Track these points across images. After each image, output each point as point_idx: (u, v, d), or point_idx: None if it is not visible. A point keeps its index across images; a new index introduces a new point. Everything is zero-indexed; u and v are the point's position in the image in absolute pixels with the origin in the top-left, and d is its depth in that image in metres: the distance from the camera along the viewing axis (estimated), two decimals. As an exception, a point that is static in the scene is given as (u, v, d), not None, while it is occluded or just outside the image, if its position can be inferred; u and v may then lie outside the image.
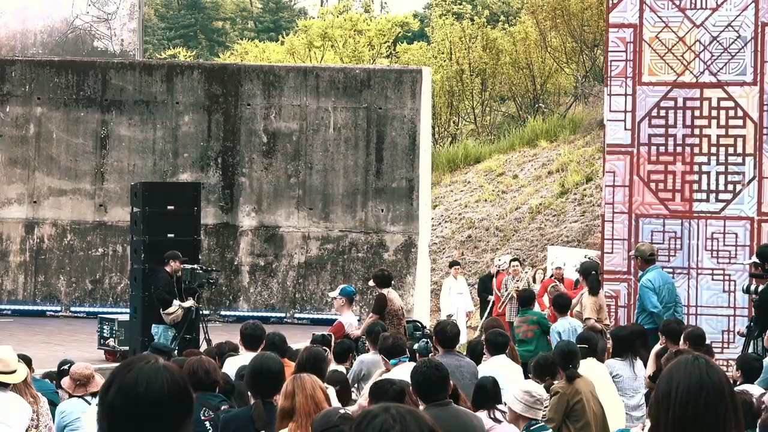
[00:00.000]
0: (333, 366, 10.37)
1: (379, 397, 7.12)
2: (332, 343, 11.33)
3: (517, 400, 8.02)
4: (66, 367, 11.01)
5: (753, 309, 13.79)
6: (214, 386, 8.08)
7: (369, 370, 10.58)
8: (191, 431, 3.11)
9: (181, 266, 15.53)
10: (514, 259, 21.63)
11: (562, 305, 14.29)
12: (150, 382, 3.01)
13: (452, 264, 23.37)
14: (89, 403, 8.97)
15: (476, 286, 23.65)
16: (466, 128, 40.56)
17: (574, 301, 14.77)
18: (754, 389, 9.30)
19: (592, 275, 14.89)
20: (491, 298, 21.11)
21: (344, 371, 10.31)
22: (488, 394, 8.15)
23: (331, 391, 7.90)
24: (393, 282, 14.95)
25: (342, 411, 5.87)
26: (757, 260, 13.50)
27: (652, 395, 3.40)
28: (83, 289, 23.17)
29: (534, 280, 20.38)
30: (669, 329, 11.90)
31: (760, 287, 13.34)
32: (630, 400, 10.96)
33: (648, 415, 3.51)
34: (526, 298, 15.77)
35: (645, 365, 11.52)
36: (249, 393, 7.38)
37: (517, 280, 20.13)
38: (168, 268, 15.52)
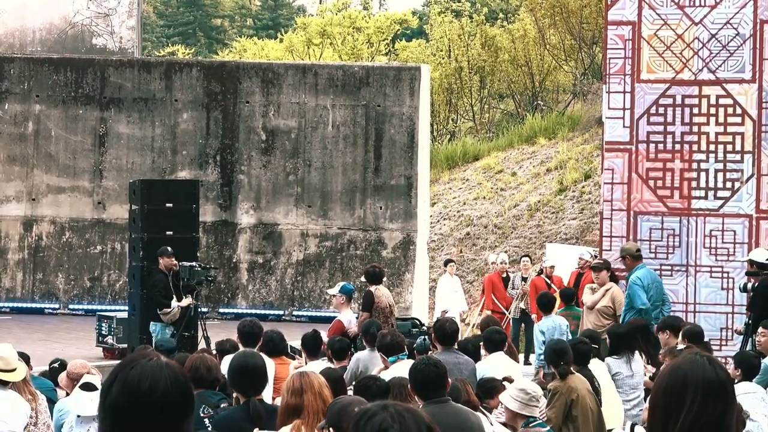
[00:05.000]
0: (329, 364, 10.40)
1: (363, 394, 7.10)
2: (323, 339, 11.43)
3: (512, 398, 7.92)
4: (56, 365, 11.03)
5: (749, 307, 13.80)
6: (215, 384, 8.09)
7: (366, 367, 10.59)
8: (192, 428, 3.10)
9: (173, 261, 15.47)
10: (524, 256, 21.59)
11: (546, 304, 14.37)
12: (153, 380, 2.99)
13: (448, 262, 23.11)
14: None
15: (476, 285, 23.50)
16: (464, 126, 40.53)
17: (597, 295, 14.49)
18: (753, 387, 9.32)
19: None
20: (513, 293, 20.40)
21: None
22: None
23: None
24: (385, 279, 14.93)
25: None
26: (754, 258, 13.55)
27: (657, 390, 3.29)
28: (82, 287, 23.15)
29: (506, 283, 20.10)
30: (667, 324, 12.00)
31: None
32: (628, 397, 10.96)
33: (649, 410, 3.40)
34: (568, 295, 16.32)
35: (648, 358, 11.51)
36: (234, 391, 7.28)
37: (524, 278, 20.05)
38: (161, 266, 15.51)
